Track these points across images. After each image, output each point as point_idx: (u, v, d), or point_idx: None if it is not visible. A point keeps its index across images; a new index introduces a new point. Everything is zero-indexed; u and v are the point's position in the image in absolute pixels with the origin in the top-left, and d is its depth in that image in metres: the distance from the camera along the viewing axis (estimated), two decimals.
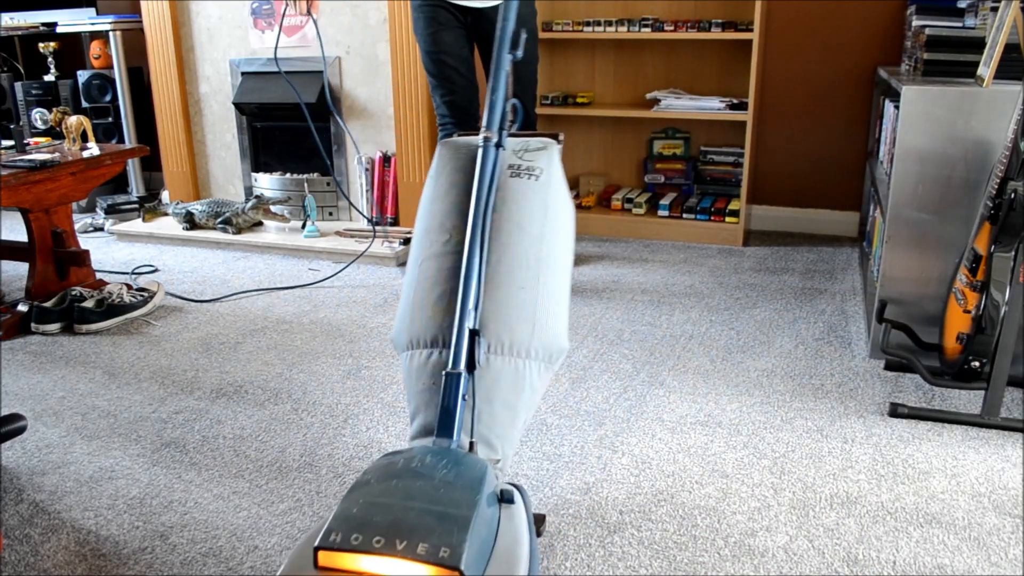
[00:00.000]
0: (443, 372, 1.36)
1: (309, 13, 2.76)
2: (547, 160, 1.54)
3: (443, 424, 1.32)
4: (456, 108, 2.64)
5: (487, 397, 1.40)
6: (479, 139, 1.48)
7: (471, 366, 1.37)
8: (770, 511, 1.54)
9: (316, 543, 1.14)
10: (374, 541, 1.12)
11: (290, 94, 3.48)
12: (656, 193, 3.71)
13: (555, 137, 1.58)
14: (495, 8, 2.57)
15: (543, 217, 1.51)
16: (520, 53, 1.58)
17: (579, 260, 3.20)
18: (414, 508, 1.16)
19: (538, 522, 1.48)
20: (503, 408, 1.40)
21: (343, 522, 1.14)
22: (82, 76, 4.21)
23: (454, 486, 1.20)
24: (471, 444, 1.36)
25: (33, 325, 2.50)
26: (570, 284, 1.55)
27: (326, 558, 1.14)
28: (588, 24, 3.45)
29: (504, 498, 1.25)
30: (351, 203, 3.56)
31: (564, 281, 1.51)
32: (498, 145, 1.48)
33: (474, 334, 1.39)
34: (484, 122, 1.47)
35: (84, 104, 4.22)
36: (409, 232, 3.39)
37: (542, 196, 1.52)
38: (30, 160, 2.53)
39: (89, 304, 2.54)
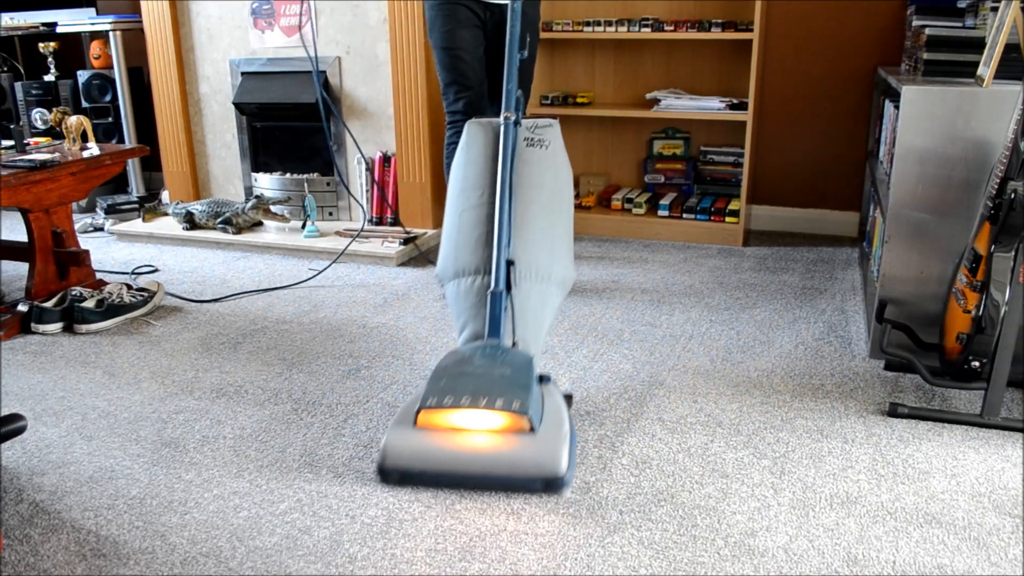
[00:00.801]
0: (487, 292, 1.82)
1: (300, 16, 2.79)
2: (552, 134, 2.01)
3: (492, 328, 1.78)
4: (470, 105, 2.65)
5: (521, 310, 1.83)
6: (500, 119, 1.96)
7: (508, 287, 1.83)
8: (770, 511, 1.54)
9: (416, 407, 1.61)
10: (463, 400, 1.59)
11: (290, 94, 3.48)
12: (656, 193, 3.71)
13: (553, 118, 2.09)
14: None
15: (554, 176, 1.96)
16: (527, 53, 2.09)
17: (579, 260, 3.20)
18: (488, 379, 1.63)
19: (568, 399, 1.82)
20: (532, 319, 1.84)
21: (436, 392, 1.62)
22: (82, 76, 4.21)
23: (512, 366, 1.67)
24: (514, 343, 1.80)
25: (33, 325, 2.50)
26: (573, 226, 1.99)
27: (425, 417, 1.61)
28: (588, 24, 3.45)
29: (542, 380, 1.76)
30: (353, 197, 3.56)
31: (570, 226, 1.96)
32: (516, 123, 1.96)
33: (509, 263, 1.84)
34: (503, 106, 1.96)
35: (84, 104, 4.22)
36: (409, 232, 3.39)
37: (551, 161, 1.97)
38: (30, 160, 2.53)
39: (89, 304, 2.54)
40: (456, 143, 2.68)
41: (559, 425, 1.61)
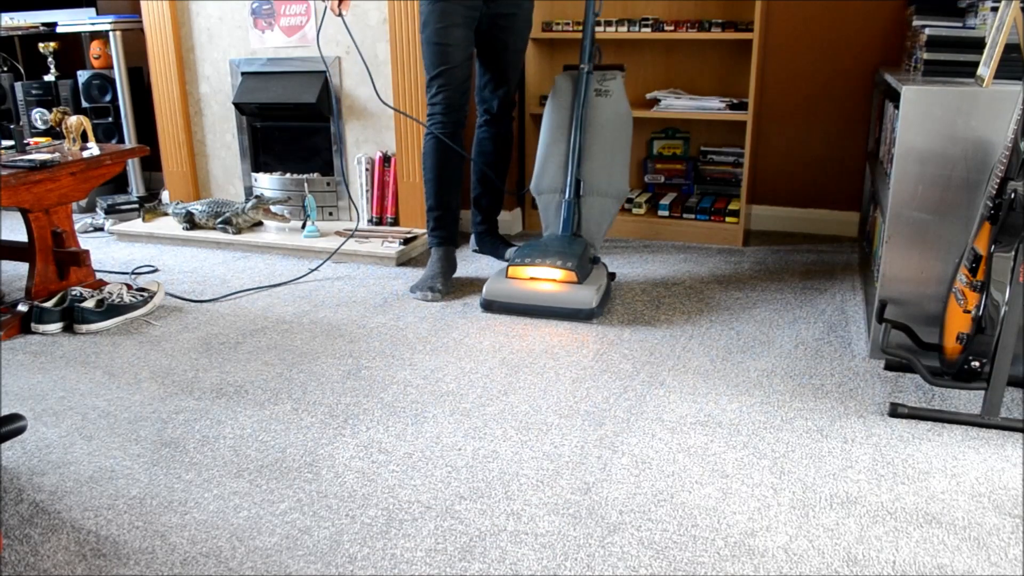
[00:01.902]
0: (563, 201, 2.71)
1: (340, 15, 2.83)
2: (616, 85, 2.74)
3: (564, 226, 2.71)
4: (451, 103, 2.72)
5: (586, 215, 2.74)
6: (580, 70, 2.69)
7: (577, 198, 2.71)
8: (770, 511, 1.54)
9: (506, 264, 2.66)
10: (536, 260, 2.55)
11: (290, 94, 3.48)
12: (656, 193, 3.71)
13: (621, 68, 2.79)
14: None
15: (614, 118, 2.74)
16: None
17: None
18: (554, 250, 2.57)
19: (612, 275, 2.77)
20: (594, 222, 2.74)
21: (520, 255, 2.58)
22: (82, 76, 4.21)
23: (572, 244, 2.61)
24: (578, 235, 2.71)
25: (33, 325, 2.50)
26: (629, 153, 2.76)
27: (512, 271, 2.59)
28: None
29: (595, 260, 2.68)
30: (351, 199, 3.56)
31: (625, 154, 2.74)
32: (589, 72, 2.69)
33: (578, 181, 2.70)
34: (580, 58, 2.68)
35: (84, 104, 4.22)
36: (409, 232, 3.39)
37: (613, 107, 2.74)
38: (30, 160, 2.53)
39: (89, 304, 2.54)
40: (433, 135, 2.75)
41: (596, 282, 2.55)
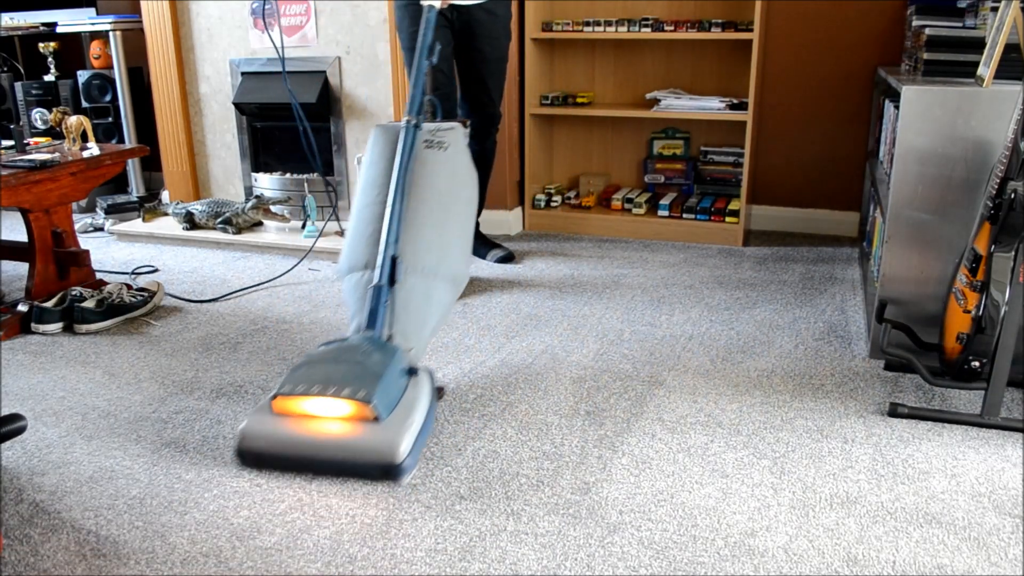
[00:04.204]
0: (370, 285, 1.85)
1: None
2: (453, 137, 2.00)
3: (370, 320, 1.83)
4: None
5: (404, 305, 1.87)
6: (403, 122, 1.97)
7: (392, 281, 1.86)
8: (770, 511, 1.54)
9: (272, 394, 1.65)
10: (313, 388, 1.63)
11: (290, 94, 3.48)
12: (656, 193, 3.71)
13: (464, 123, 2.12)
14: (481, 6, 2.63)
15: (449, 177, 1.97)
16: (436, 59, 2.08)
17: (579, 260, 3.20)
18: (343, 368, 1.67)
19: (439, 391, 1.97)
20: (415, 313, 1.87)
21: (292, 380, 1.67)
22: (82, 76, 4.21)
23: (373, 356, 1.72)
24: (390, 336, 1.84)
25: (33, 325, 2.50)
26: (473, 226, 2.03)
27: (279, 404, 1.66)
28: (588, 24, 3.45)
29: (410, 371, 1.77)
30: (351, 198, 3.55)
31: (466, 224, 1.99)
32: (416, 126, 1.97)
33: (394, 259, 1.87)
34: (406, 109, 1.97)
35: (84, 104, 4.22)
36: None
37: (449, 163, 1.98)
38: (30, 160, 2.53)
39: (89, 304, 2.54)
40: None
41: (407, 416, 1.65)
